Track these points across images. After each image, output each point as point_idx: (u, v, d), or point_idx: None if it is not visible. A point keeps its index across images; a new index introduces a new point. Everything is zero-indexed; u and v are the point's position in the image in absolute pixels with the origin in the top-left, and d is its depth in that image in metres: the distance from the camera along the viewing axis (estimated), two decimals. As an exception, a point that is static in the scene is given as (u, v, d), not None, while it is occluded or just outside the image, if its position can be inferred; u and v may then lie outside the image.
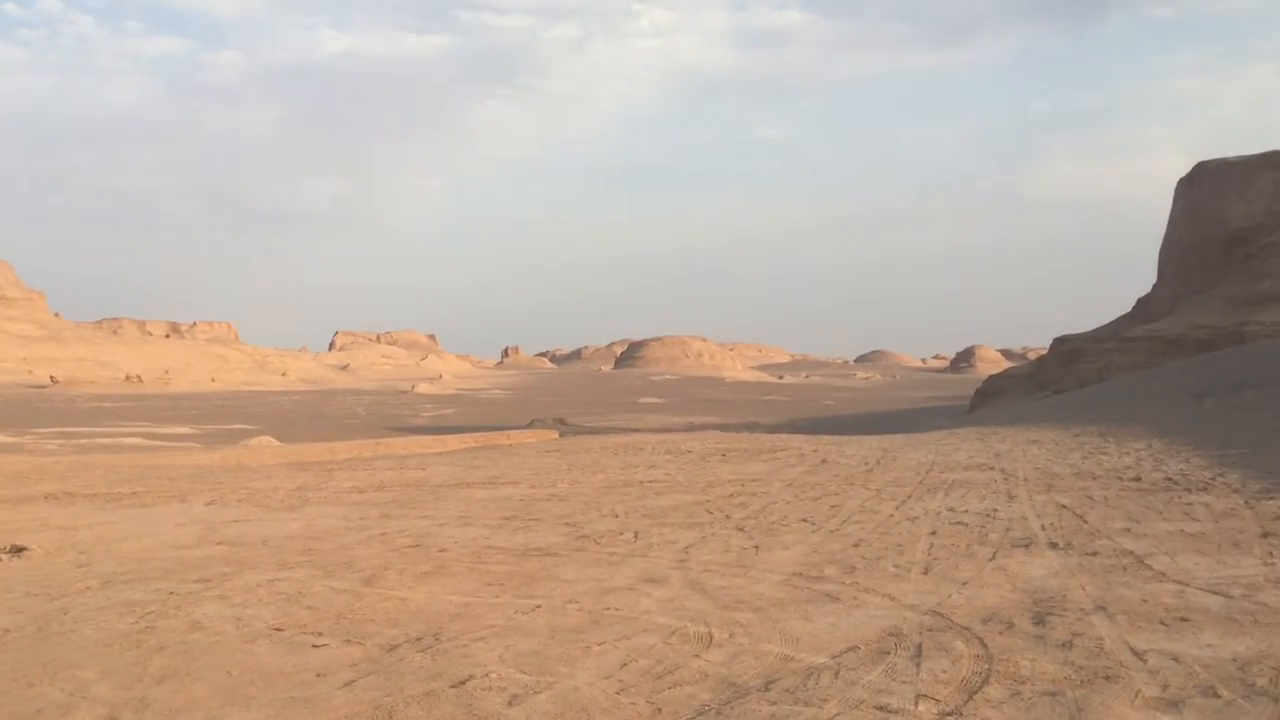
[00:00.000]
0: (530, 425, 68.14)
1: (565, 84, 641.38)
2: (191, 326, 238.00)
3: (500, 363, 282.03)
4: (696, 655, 6.53)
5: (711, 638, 6.92)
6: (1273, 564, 8.93)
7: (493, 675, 6.21)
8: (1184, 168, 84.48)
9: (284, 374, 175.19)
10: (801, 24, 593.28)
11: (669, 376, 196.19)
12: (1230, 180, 77.96)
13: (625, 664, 6.38)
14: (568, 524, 12.61)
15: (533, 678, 6.15)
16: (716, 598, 8.17)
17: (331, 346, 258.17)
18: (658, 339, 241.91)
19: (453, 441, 32.93)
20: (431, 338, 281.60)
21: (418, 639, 7.12)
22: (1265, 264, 69.71)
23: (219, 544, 11.66)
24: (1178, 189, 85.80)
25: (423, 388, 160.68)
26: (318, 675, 6.37)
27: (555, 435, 42.15)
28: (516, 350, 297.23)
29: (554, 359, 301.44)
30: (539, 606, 8.01)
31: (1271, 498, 13.08)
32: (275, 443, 43.95)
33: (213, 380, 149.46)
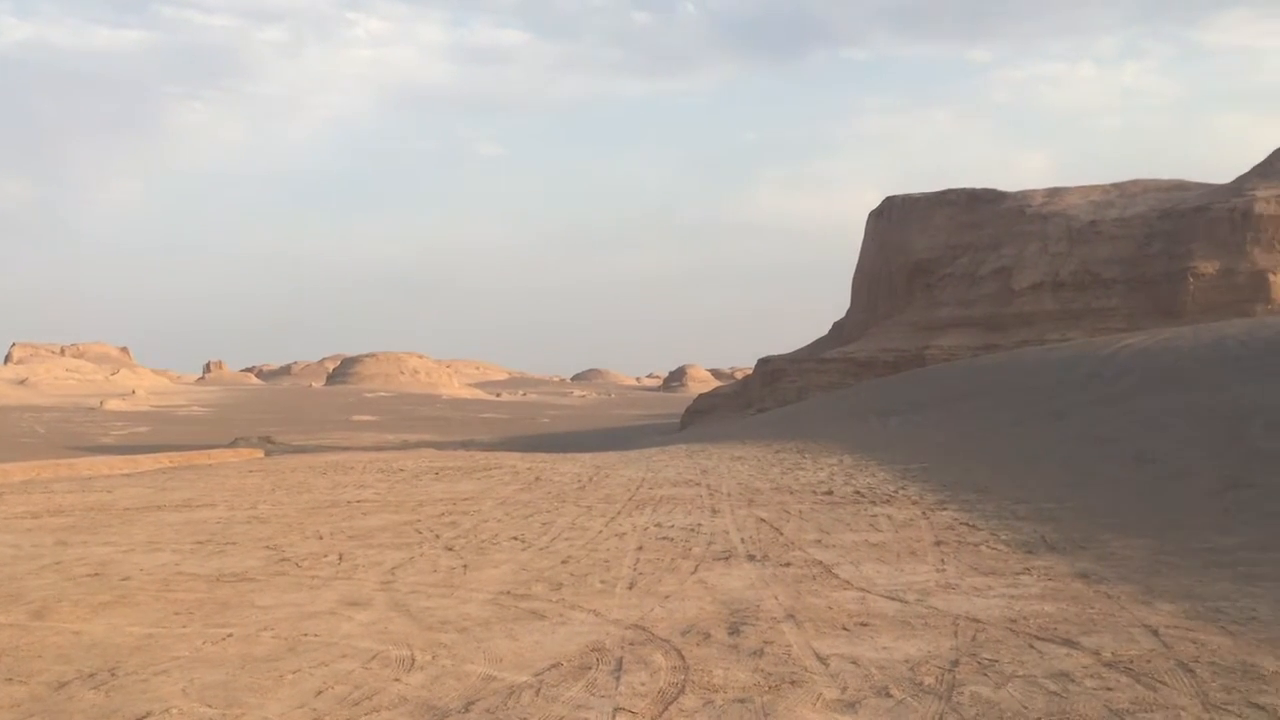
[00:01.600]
0: (234, 444, 64.91)
1: (276, 89, 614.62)
2: None
3: (202, 378, 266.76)
4: (397, 679, 6.37)
5: (413, 660, 6.77)
6: (943, 570, 9.69)
7: (173, 710, 5.82)
8: (874, 201, 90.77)
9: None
10: (521, 43, 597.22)
11: (384, 393, 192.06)
12: (913, 215, 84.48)
13: (321, 691, 6.14)
14: (268, 547, 12.06)
15: (218, 710, 5.81)
16: (421, 619, 8.02)
17: (7, 359, 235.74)
18: (372, 355, 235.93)
19: (145, 461, 30.76)
20: (124, 350, 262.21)
21: (91, 675, 6.58)
22: (943, 293, 76.15)
23: None
24: (868, 221, 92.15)
25: (113, 404, 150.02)
26: (-30, 721, 5.78)
27: (260, 454, 40.24)
28: (220, 365, 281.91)
29: (261, 374, 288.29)
30: (230, 635, 7.59)
31: (945, 509, 14.23)
32: (-63, 464, 39.68)
33: None
